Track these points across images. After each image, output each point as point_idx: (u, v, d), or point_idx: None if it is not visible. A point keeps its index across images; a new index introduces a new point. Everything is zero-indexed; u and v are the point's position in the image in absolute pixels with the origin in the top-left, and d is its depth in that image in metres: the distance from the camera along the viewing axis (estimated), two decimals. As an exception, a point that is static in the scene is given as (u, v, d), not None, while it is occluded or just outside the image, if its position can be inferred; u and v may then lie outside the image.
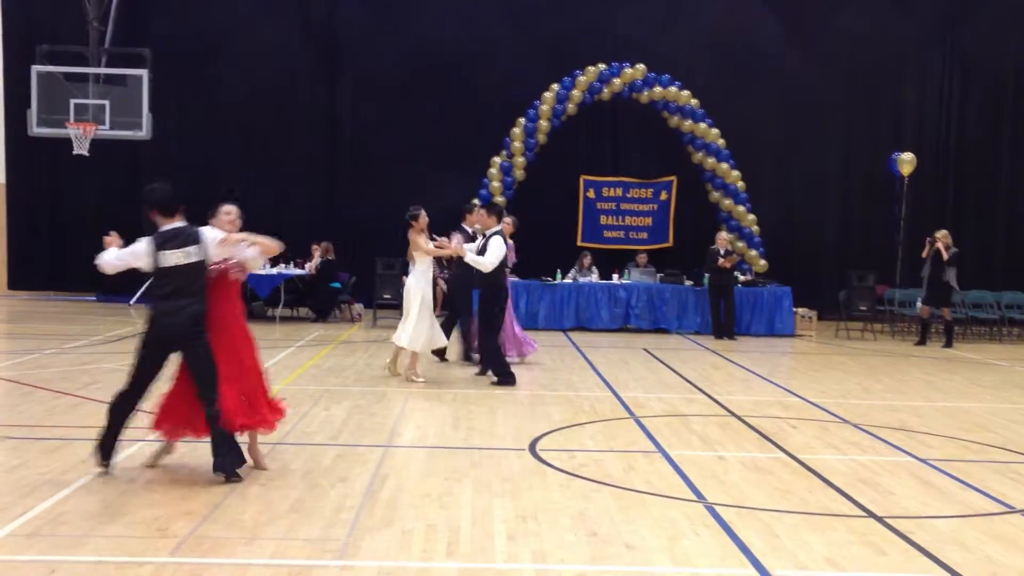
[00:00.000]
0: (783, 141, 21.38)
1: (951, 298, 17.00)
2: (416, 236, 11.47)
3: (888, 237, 20.38)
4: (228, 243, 6.91)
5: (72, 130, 18.36)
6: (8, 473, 6.89)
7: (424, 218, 11.58)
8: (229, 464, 6.75)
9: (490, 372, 11.70)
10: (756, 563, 5.49)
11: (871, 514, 6.52)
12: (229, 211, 7.28)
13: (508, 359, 11.99)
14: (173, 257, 6.68)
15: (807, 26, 21.44)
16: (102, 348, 13.73)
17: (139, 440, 7.97)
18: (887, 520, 6.39)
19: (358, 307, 18.87)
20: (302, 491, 6.64)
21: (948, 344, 16.83)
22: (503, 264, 11.59)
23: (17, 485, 6.57)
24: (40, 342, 14.06)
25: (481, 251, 11.45)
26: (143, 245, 6.74)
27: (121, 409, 6.89)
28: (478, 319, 12.09)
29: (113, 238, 6.92)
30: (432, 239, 11.61)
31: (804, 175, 21.50)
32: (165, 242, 6.71)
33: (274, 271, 17.94)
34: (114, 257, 6.81)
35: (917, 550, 5.82)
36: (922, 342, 17.05)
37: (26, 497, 6.29)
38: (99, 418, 8.81)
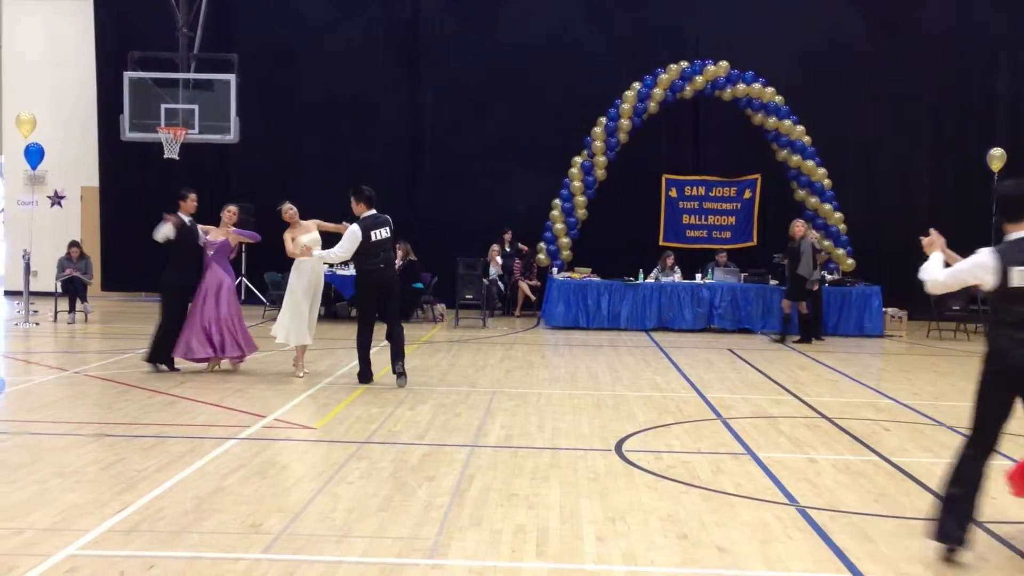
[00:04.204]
0: (870, 137, 20.89)
1: (804, 292, 16.34)
2: (286, 233, 11.41)
3: (981, 234, 19.79)
4: None
5: (163, 135, 18.77)
6: (106, 469, 7.07)
7: (288, 210, 11.45)
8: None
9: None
10: (852, 568, 5.37)
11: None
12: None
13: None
14: None
15: (894, 19, 20.93)
16: (192, 348, 14.00)
17: (231, 438, 8.12)
18: (988, 525, 6.19)
19: (440, 307, 18.98)
20: (390, 490, 6.68)
21: (806, 339, 16.29)
22: (365, 252, 10.71)
23: (115, 481, 6.73)
24: (134, 342, 14.39)
25: None
26: None
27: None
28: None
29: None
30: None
31: (892, 171, 20.99)
32: None
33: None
34: None
35: (1021, 557, 5.64)
36: (780, 340, 16.39)
37: (124, 493, 6.44)
38: (193, 415, 9.06)
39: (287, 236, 11.42)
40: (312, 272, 11.36)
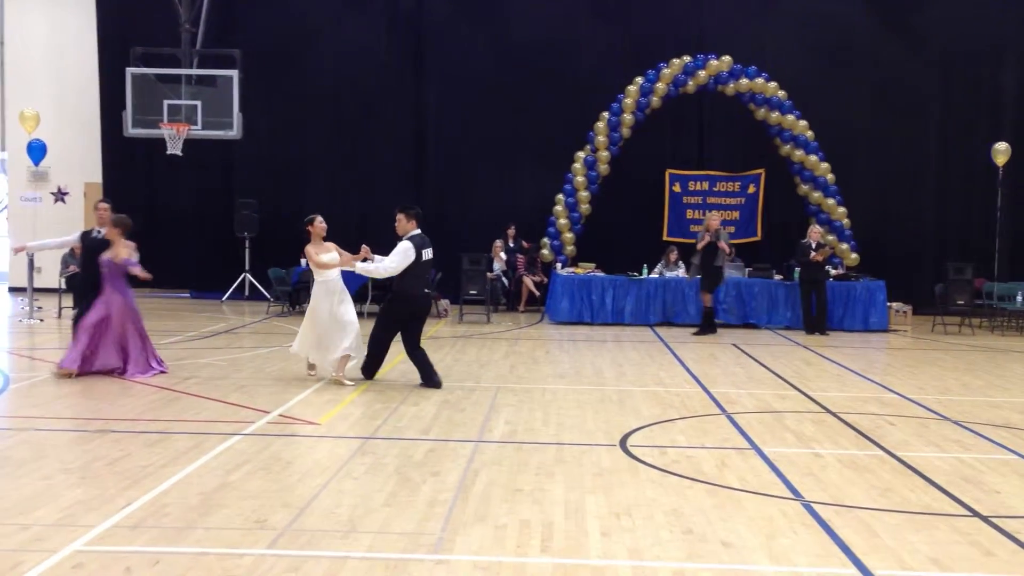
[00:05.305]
0: (874, 131, 20.84)
1: (717, 285, 16.73)
2: (309, 247, 10.90)
3: (986, 229, 19.77)
4: None
5: (166, 130, 18.77)
6: (111, 465, 7.07)
7: (320, 224, 10.91)
8: None
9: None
10: (857, 562, 5.36)
11: (976, 513, 6.32)
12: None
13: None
14: None
15: (899, 12, 20.88)
16: (197, 344, 14.01)
17: (235, 434, 8.13)
18: (993, 520, 6.19)
19: (444, 303, 18.98)
20: (395, 485, 6.68)
21: (704, 331, 16.54)
22: (414, 272, 10.44)
23: (120, 477, 6.74)
24: (137, 338, 14.39)
25: None
26: None
27: None
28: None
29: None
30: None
31: (897, 166, 20.93)
32: None
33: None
34: None
35: (1027, 551, 5.63)
36: (705, 331, 16.66)
37: (129, 489, 6.44)
38: (197, 411, 9.08)
39: (310, 250, 10.89)
40: (337, 287, 10.84)
